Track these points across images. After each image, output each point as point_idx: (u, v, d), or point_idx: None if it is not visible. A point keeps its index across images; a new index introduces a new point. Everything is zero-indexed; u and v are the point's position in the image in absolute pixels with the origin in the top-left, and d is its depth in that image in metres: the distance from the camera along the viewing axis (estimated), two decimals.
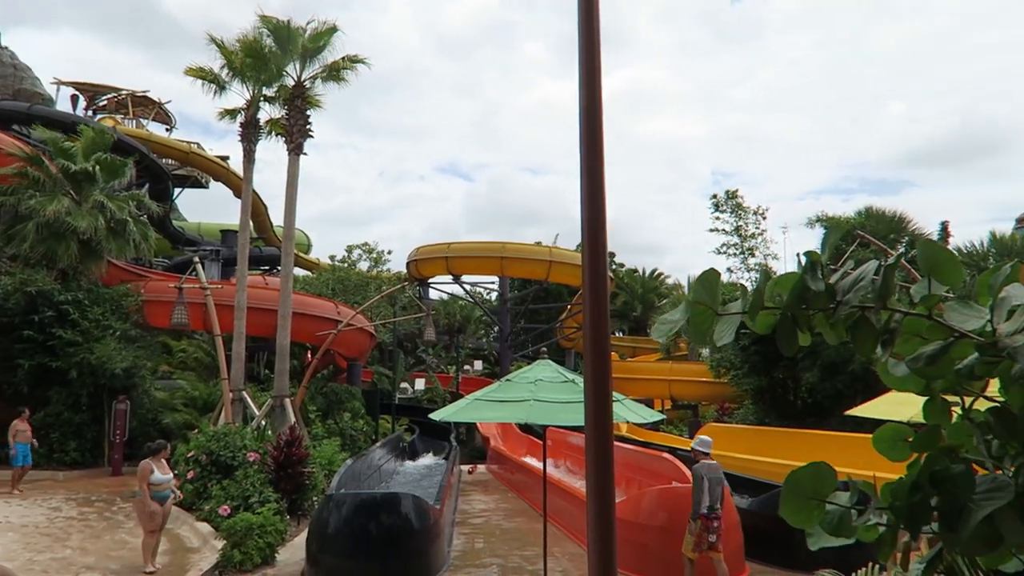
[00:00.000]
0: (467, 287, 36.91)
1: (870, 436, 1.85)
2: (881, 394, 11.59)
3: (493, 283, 38.28)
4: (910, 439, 1.75)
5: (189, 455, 14.37)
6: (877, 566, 4.79)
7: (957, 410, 1.70)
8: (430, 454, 24.00)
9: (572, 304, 37.19)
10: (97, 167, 20.83)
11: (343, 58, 18.89)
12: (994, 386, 1.64)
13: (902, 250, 20.23)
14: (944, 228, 26.84)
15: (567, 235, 45.62)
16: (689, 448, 17.64)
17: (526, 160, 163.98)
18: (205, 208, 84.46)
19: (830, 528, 1.56)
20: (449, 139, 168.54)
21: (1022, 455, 1.43)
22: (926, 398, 1.72)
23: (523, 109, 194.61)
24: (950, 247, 22.64)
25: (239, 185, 26.02)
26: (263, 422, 17.12)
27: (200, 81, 19.30)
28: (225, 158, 40.61)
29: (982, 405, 1.67)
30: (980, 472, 1.58)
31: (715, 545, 8.63)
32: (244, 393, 18.45)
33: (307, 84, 19.09)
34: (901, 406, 7.89)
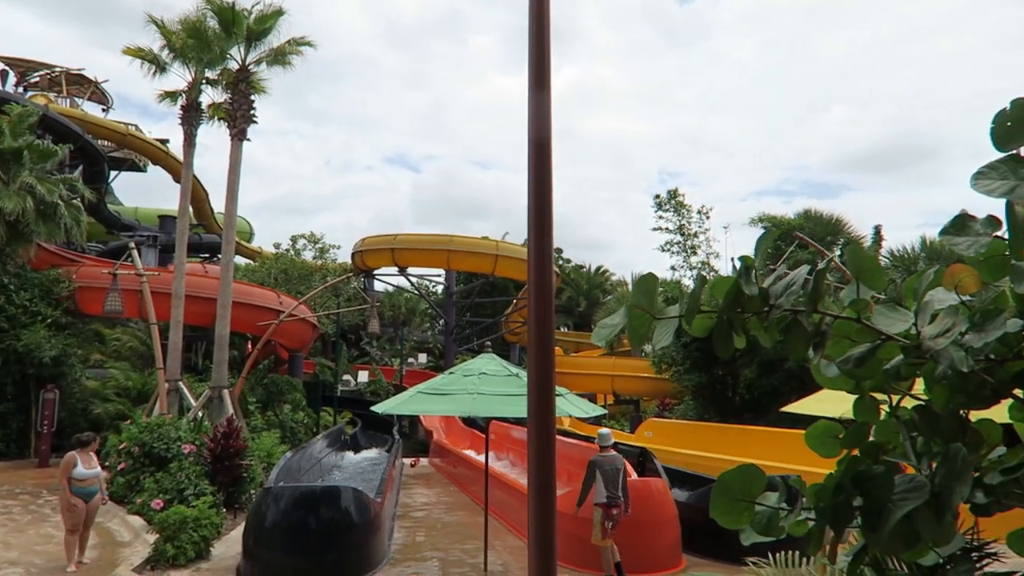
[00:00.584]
0: (413, 279, 36.67)
1: (804, 432, 1.91)
2: (815, 391, 11.97)
3: (439, 276, 38.14)
4: (840, 436, 1.82)
5: (121, 447, 13.96)
6: (797, 553, 4.98)
7: (885, 408, 1.76)
8: (372, 447, 23.80)
9: (518, 298, 37.30)
10: (26, 150, 19.98)
11: (289, 41, 18.54)
12: (920, 385, 1.72)
13: (833, 254, 20.90)
14: (877, 232, 27.79)
15: (515, 232, 45.73)
16: (629, 443, 17.94)
17: (475, 153, 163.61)
18: (143, 192, 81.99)
19: (759, 529, 1.61)
20: (398, 129, 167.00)
21: (941, 453, 1.49)
22: (855, 403, 1.78)
23: (473, 102, 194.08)
24: (883, 251, 23.52)
25: (179, 169, 25.29)
26: (200, 413, 16.73)
27: (139, 61, 18.70)
28: (165, 141, 39.42)
29: (909, 403, 1.74)
30: (909, 471, 1.64)
31: (613, 531, 9.03)
32: (181, 383, 18.00)
33: (252, 68, 18.68)
34: (833, 403, 8.14)
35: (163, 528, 9.79)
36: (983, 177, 1.47)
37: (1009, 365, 1.55)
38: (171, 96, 19.08)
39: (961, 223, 1.53)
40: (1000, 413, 1.70)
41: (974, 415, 1.68)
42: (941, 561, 1.62)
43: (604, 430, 9.88)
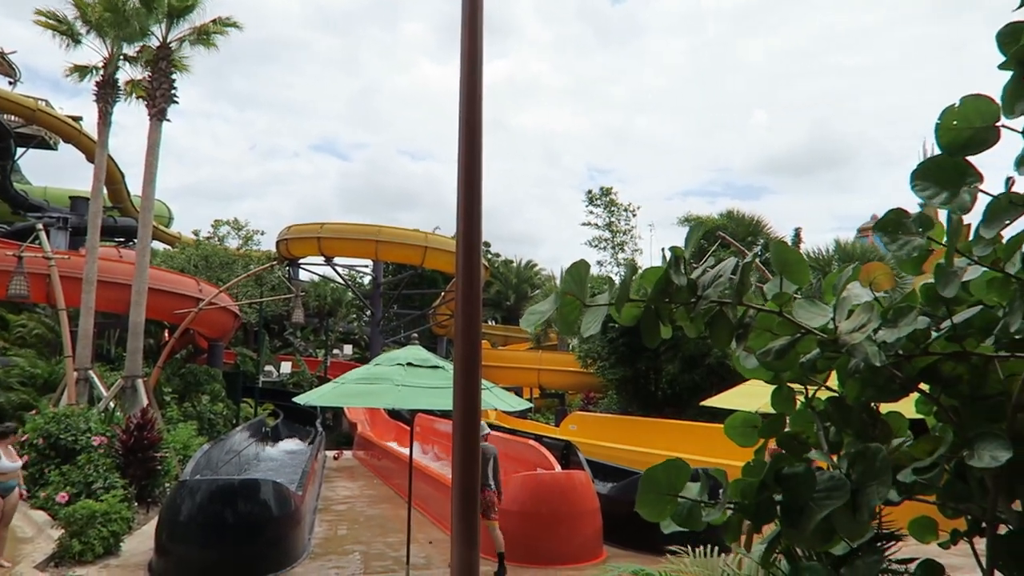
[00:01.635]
0: (340, 269, 36.06)
1: (722, 426, 1.95)
2: (734, 386, 12.35)
3: (367, 266, 37.62)
4: (757, 426, 1.87)
5: (23, 438, 13.25)
6: (716, 548, 5.14)
7: (801, 399, 1.82)
8: (294, 439, 23.34)
9: (446, 291, 37.15)
10: None
11: (214, 20, 17.90)
12: (834, 378, 1.78)
13: (758, 250, 21.63)
14: (797, 234, 29.02)
15: (447, 225, 45.40)
16: (554, 436, 18.12)
17: (405, 143, 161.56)
18: (53, 172, 77.25)
19: (680, 520, 1.64)
20: (327, 116, 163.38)
21: (854, 445, 1.55)
22: (773, 393, 1.83)
23: (404, 91, 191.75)
24: (801, 251, 24.56)
25: (92, 149, 24.13)
26: (112, 404, 16.07)
27: (51, 32, 17.73)
28: (78, 119, 37.49)
29: (823, 395, 1.80)
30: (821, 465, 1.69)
31: (487, 514, 9.42)
32: (91, 372, 17.23)
33: (173, 46, 17.95)
34: (751, 398, 8.42)
35: (69, 523, 9.36)
36: (923, 180, 1.44)
37: (916, 360, 1.62)
38: (81, 71, 18.13)
39: (896, 220, 1.53)
40: (909, 407, 1.78)
41: (884, 408, 1.75)
42: (851, 550, 1.69)
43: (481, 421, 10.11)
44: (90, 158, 30.06)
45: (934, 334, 1.58)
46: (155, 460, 12.70)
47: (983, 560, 1.52)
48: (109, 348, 24.41)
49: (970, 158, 1.43)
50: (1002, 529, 1.52)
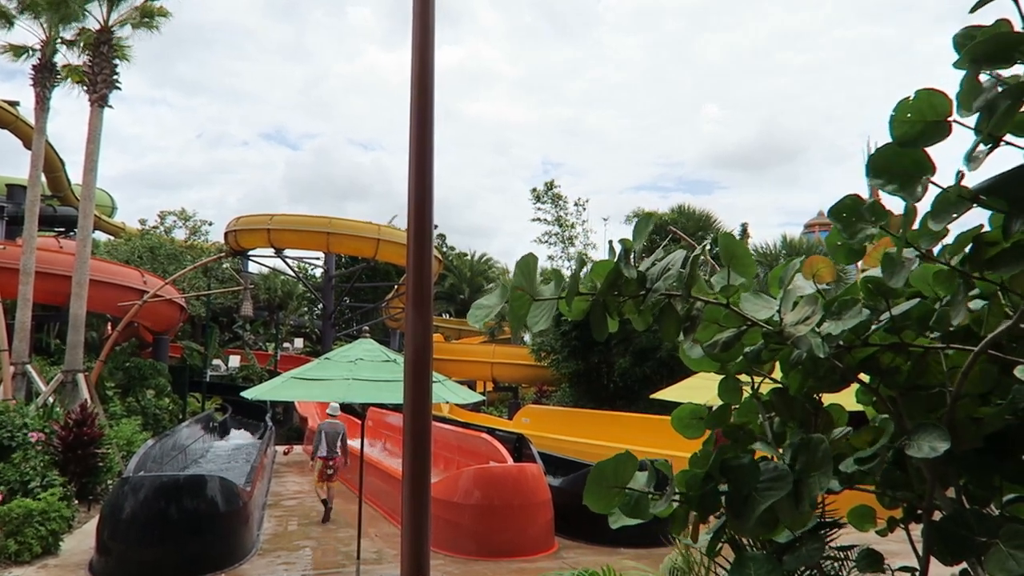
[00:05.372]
0: (291, 262, 35.47)
1: (670, 418, 1.97)
2: (684, 379, 12.54)
3: (318, 259, 37.08)
4: (703, 418, 1.89)
5: None
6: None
7: (748, 390, 1.84)
8: (243, 434, 22.94)
9: (399, 284, 36.85)
10: None
11: (159, 6, 17.40)
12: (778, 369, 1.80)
13: (707, 243, 22.00)
14: (744, 229, 29.55)
15: (403, 216, 44.92)
16: (506, 429, 18.16)
17: (354, 132, 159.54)
18: None
19: (628, 511, 1.64)
20: (275, 104, 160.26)
21: (798, 434, 1.57)
22: (720, 384, 1.85)
23: (353, 78, 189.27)
24: (748, 246, 24.97)
25: (30, 135, 23.28)
26: (51, 399, 15.56)
27: None
28: (14, 103, 36.08)
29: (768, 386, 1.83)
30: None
31: (332, 477, 12.28)
32: (29, 367, 16.66)
33: (115, 28, 17.39)
34: (699, 391, 8.55)
35: (4, 522, 9.06)
36: (878, 168, 1.43)
37: (856, 351, 1.65)
38: (16, 51, 17.45)
39: (852, 206, 1.52)
40: (849, 400, 1.82)
41: (825, 400, 1.78)
42: (793, 538, 1.72)
43: (334, 403, 12.33)
44: (27, 145, 28.94)
45: (873, 326, 1.61)
46: (96, 456, 12.36)
47: (919, 546, 1.56)
48: (49, 341, 23.63)
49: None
50: (936, 516, 1.56)
